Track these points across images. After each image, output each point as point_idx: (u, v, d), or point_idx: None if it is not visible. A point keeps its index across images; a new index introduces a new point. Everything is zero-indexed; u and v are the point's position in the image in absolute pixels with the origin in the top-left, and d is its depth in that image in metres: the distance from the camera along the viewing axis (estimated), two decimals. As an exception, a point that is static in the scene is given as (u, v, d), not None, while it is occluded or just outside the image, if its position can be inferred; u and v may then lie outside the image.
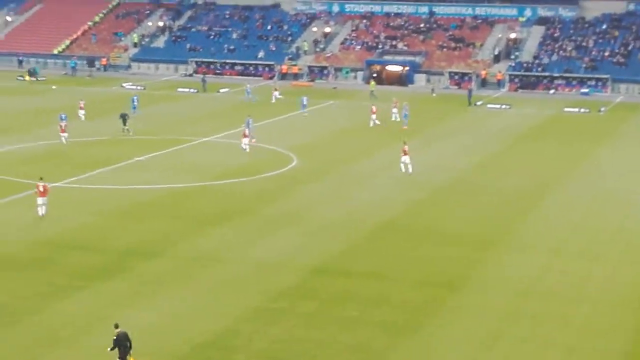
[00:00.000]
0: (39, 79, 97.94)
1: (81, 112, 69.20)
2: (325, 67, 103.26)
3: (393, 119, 70.77)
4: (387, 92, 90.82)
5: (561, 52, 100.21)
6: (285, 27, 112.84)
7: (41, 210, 41.23)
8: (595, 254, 37.22)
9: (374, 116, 69.36)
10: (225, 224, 40.68)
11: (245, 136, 57.96)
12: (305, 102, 76.03)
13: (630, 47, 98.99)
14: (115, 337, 25.25)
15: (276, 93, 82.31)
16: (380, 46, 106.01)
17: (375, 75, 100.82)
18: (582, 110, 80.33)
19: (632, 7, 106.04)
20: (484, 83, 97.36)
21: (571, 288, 32.91)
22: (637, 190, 48.82)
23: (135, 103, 73.82)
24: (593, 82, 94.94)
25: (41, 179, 42.13)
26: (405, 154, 52.02)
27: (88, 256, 35.81)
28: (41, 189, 41.40)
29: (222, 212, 42.77)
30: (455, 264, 35.39)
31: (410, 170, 51.69)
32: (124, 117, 64.26)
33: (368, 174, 51.92)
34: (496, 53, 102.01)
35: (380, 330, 28.67)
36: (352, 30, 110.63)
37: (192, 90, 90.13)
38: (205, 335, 28.03)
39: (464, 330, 28.81)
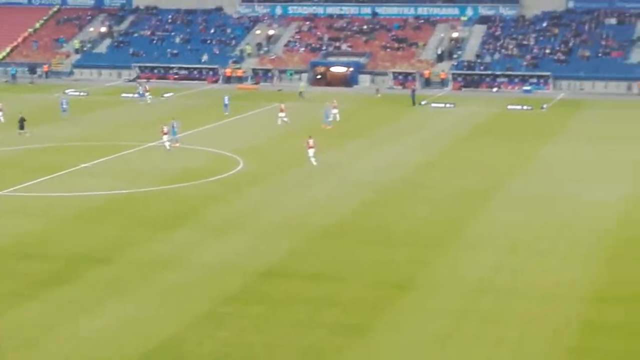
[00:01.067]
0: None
1: None
2: (270, 70, 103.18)
3: (331, 119, 70.99)
4: (332, 94, 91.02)
5: (503, 50, 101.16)
6: (229, 31, 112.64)
7: None
8: (544, 250, 37.56)
9: (282, 114, 70.28)
10: (172, 228, 40.47)
11: (164, 133, 59.21)
12: (226, 102, 77.39)
13: (570, 44, 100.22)
14: None
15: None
16: (324, 48, 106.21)
17: (319, 76, 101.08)
18: (525, 107, 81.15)
19: (571, 4, 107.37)
20: (427, 82, 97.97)
21: (521, 285, 33.15)
22: (582, 186, 49.39)
23: (65, 106, 74.71)
24: (535, 80, 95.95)
25: None
26: (310, 147, 54.25)
27: (36, 264, 35.43)
28: None
29: (170, 217, 42.55)
30: (406, 264, 35.51)
31: (314, 162, 54.13)
32: (21, 122, 64.90)
33: (315, 176, 51.94)
34: (439, 52, 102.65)
35: (331, 332, 28.66)
36: (296, 33, 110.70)
37: (135, 95, 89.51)
38: (155, 341, 27.84)
39: (417, 330, 28.90)
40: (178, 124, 62.02)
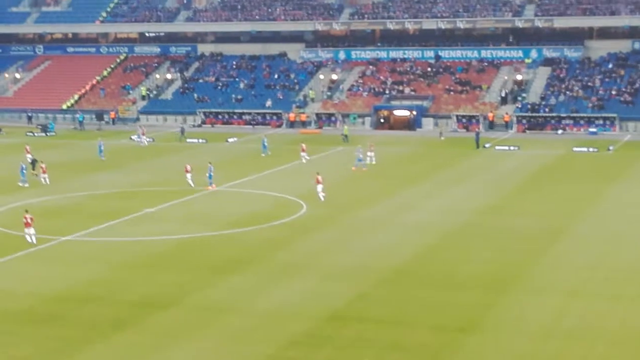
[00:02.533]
0: (48, 134, 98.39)
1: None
2: (333, 114, 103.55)
3: (368, 161, 71.68)
4: (395, 137, 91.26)
5: (568, 92, 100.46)
6: (292, 76, 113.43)
7: (30, 239, 45.82)
8: (612, 294, 36.89)
9: (304, 154, 72.99)
10: (236, 273, 40.53)
11: (187, 172, 62.61)
12: (265, 144, 79.46)
13: (636, 86, 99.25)
14: None
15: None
16: (387, 91, 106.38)
17: (382, 120, 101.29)
18: (591, 149, 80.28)
19: (637, 45, 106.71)
20: (491, 125, 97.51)
21: (589, 329, 32.57)
22: (650, 228, 48.60)
23: (102, 148, 77.59)
24: (601, 121, 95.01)
25: (26, 211, 46.84)
26: (319, 182, 56.88)
27: (100, 309, 35.66)
28: (29, 220, 45.94)
29: (233, 261, 42.63)
30: (471, 308, 35.12)
31: (322, 198, 56.55)
32: (33, 163, 67.94)
33: (379, 220, 51.77)
34: (503, 95, 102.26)
35: (396, 376, 28.42)
36: (359, 77, 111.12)
37: (200, 140, 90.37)
38: (220, 386, 27.79)
39: (481, 374, 28.53)
40: (213, 167, 62.40)
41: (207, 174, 61.64)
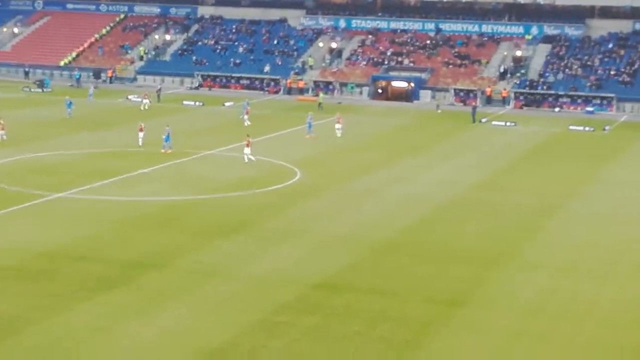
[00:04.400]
0: (44, 90, 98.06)
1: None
2: (331, 82, 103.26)
3: (339, 135, 70.32)
4: (391, 109, 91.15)
5: (567, 70, 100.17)
6: (292, 42, 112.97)
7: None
8: (603, 273, 36.97)
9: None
10: (227, 237, 40.52)
11: (140, 130, 63.75)
12: (246, 106, 78.83)
13: (635, 66, 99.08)
14: None
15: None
16: (386, 62, 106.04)
17: (380, 91, 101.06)
18: (587, 128, 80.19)
19: (638, 26, 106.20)
20: (489, 100, 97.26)
21: (579, 308, 32.64)
22: (643, 210, 48.67)
23: (69, 105, 77.40)
24: (598, 101, 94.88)
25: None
26: (248, 146, 58.14)
27: (90, 267, 35.66)
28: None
29: (225, 225, 42.61)
30: (461, 282, 35.17)
31: (253, 159, 57.68)
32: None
33: (372, 190, 51.74)
34: (502, 70, 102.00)
35: (384, 346, 28.45)
36: (359, 46, 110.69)
37: (197, 103, 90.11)
38: (206, 349, 27.81)
39: (469, 348, 28.58)
40: (171, 130, 62.27)
41: (163, 137, 61.33)
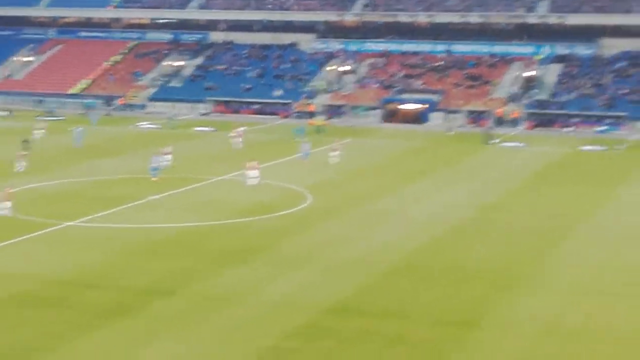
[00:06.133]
0: (58, 118, 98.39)
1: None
2: (342, 106, 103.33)
3: (331, 162, 69.12)
4: (402, 131, 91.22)
5: (578, 90, 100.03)
6: (303, 66, 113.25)
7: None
8: (617, 293, 36.75)
9: (238, 139, 71.87)
10: (240, 262, 40.46)
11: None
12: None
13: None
14: None
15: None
16: (397, 85, 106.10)
17: (391, 116, 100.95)
18: (599, 148, 79.98)
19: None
20: (500, 121, 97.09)
21: (592, 329, 32.42)
22: (657, 229, 48.43)
23: (80, 135, 77.11)
24: (610, 120, 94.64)
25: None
26: (254, 169, 58.67)
27: (104, 294, 35.64)
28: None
29: (237, 250, 42.57)
30: (474, 303, 35.01)
31: (255, 183, 58.17)
32: (26, 143, 68.77)
33: (384, 213, 51.68)
34: (513, 91, 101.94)
35: (396, 371, 28.34)
36: (369, 69, 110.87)
37: (209, 128, 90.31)
38: (219, 375, 27.74)
39: (482, 371, 28.45)
40: (158, 158, 62.03)
41: (151, 165, 60.92)
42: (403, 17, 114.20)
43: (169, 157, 65.77)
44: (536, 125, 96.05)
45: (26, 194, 55.51)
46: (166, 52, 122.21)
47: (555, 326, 32.57)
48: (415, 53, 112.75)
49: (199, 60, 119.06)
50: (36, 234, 45.20)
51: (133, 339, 30.65)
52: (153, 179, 59.96)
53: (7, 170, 62.74)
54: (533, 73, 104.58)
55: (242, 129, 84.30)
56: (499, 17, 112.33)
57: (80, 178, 61.28)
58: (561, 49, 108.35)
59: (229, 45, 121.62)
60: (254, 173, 58.45)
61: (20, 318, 32.71)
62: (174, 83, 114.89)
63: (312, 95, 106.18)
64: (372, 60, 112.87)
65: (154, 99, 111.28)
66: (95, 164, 67.41)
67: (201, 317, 33.03)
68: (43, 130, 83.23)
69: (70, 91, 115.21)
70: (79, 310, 33.60)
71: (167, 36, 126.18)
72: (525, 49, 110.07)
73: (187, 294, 35.79)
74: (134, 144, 78.92)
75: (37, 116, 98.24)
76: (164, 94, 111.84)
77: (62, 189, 57.81)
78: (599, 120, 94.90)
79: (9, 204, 48.49)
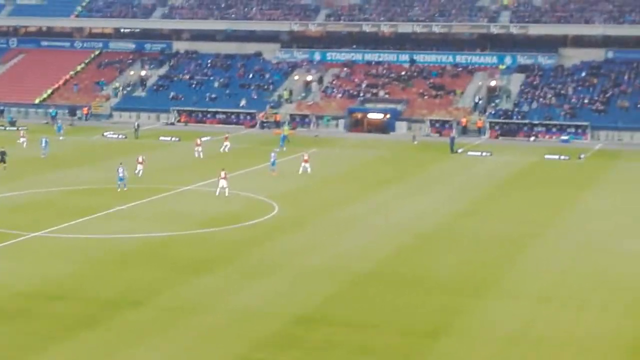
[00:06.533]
0: (19, 128, 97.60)
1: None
2: (307, 115, 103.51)
3: (301, 171, 68.86)
4: (368, 140, 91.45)
5: (541, 99, 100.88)
6: (267, 76, 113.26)
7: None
8: (581, 300, 37.15)
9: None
10: (206, 272, 40.44)
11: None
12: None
13: (609, 94, 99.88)
14: None
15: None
16: (361, 94, 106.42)
17: (356, 125, 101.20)
18: (563, 157, 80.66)
19: (610, 54, 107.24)
20: (464, 130, 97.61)
21: (558, 335, 32.74)
22: (619, 237, 48.93)
23: (44, 145, 76.73)
24: (573, 130, 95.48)
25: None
26: (224, 178, 58.61)
27: (69, 306, 35.49)
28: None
29: (203, 260, 42.54)
30: (440, 312, 35.23)
31: (226, 193, 57.99)
32: (2, 155, 68.12)
33: (351, 222, 51.83)
34: (476, 101, 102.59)
35: (365, 380, 28.44)
36: (334, 79, 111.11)
37: (174, 138, 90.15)
38: (188, 386, 27.72)
39: (449, 379, 28.61)
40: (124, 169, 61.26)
41: (118, 176, 60.44)
42: (367, 27, 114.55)
43: (141, 166, 65.62)
44: (500, 135, 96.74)
45: (-10, 205, 55.21)
46: (130, 61, 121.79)
47: (521, 334, 32.83)
48: (378, 63, 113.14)
49: (163, 70, 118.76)
50: (0, 245, 44.87)
51: (102, 351, 30.54)
52: (119, 189, 59.72)
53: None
54: (496, 83, 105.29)
55: (205, 138, 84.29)
56: (462, 27, 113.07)
57: (47, 188, 60.92)
58: (523, 59, 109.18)
59: (193, 55, 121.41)
60: (225, 183, 58.45)
61: (-15, 330, 32.53)
62: (138, 92, 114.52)
63: (277, 104, 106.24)
64: (336, 69, 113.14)
65: (118, 108, 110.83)
66: (62, 174, 67.00)
67: (170, 327, 33.00)
68: (25, 139, 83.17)
69: (35, 101, 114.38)
70: (46, 323, 33.43)
71: (130, 45, 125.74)
72: (488, 58, 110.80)
73: (155, 304, 35.73)
74: (100, 155, 78.54)
75: (20, 127, 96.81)
76: (128, 104, 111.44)
77: (29, 199, 57.45)
78: (562, 129, 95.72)
79: None
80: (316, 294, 37.31)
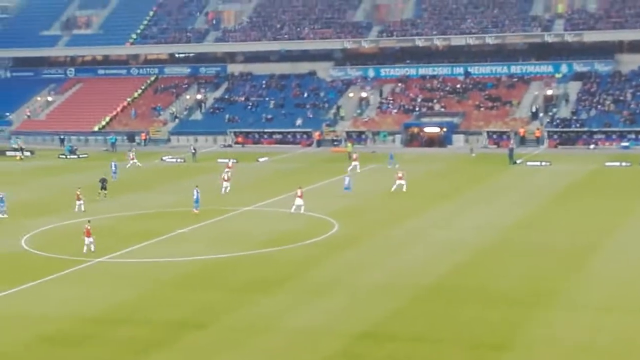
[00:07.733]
0: (80, 156, 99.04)
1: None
2: (363, 132, 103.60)
3: (393, 189, 68.46)
4: (425, 155, 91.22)
5: (599, 106, 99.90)
6: (322, 94, 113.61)
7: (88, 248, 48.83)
8: (646, 310, 36.69)
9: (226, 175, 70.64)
10: (268, 292, 40.55)
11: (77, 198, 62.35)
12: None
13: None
14: None
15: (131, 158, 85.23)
16: (417, 109, 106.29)
17: (412, 140, 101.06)
18: (624, 164, 79.77)
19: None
20: (522, 141, 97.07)
21: (623, 345, 32.32)
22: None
23: (114, 169, 78.12)
24: (633, 136, 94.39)
25: (89, 221, 50.58)
26: (299, 196, 58.91)
27: (135, 330, 35.79)
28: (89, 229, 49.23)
29: (265, 280, 42.66)
30: (504, 324, 34.96)
31: (301, 210, 58.47)
32: (103, 182, 68.15)
33: (411, 237, 51.71)
34: (533, 110, 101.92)
35: (431, 394, 28.31)
36: (389, 94, 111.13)
37: (232, 160, 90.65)
38: (254, 406, 27.77)
39: (516, 391, 28.36)
40: (199, 191, 61.59)
41: (194, 198, 61.00)
42: (420, 41, 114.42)
43: (227, 183, 68.62)
44: (559, 144, 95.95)
45: (55, 232, 55.87)
46: (185, 85, 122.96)
47: (584, 345, 32.43)
48: (433, 76, 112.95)
49: (219, 93, 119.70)
50: (66, 271, 45.39)
51: (167, 373, 30.76)
52: (195, 211, 60.18)
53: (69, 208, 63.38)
54: (552, 91, 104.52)
55: (263, 159, 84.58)
56: (515, 37, 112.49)
57: (108, 214, 61.57)
58: (579, 67, 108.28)
59: (247, 77, 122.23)
60: (300, 201, 58.81)
61: (53, 357, 32.89)
62: (195, 116, 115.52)
63: (332, 122, 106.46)
64: (390, 85, 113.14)
65: (175, 132, 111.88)
66: (123, 199, 67.72)
67: (236, 348, 33.13)
68: (134, 160, 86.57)
69: (94, 128, 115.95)
70: (114, 347, 33.73)
71: (185, 70, 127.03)
72: (544, 67, 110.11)
73: (220, 325, 35.91)
74: (160, 178, 79.27)
75: (60, 155, 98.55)
76: (185, 128, 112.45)
77: (93, 225, 57.97)
78: (622, 136, 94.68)
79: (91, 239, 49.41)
80: (378, 310, 37.24)
